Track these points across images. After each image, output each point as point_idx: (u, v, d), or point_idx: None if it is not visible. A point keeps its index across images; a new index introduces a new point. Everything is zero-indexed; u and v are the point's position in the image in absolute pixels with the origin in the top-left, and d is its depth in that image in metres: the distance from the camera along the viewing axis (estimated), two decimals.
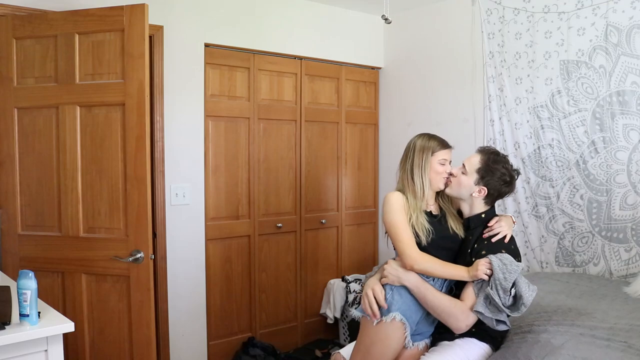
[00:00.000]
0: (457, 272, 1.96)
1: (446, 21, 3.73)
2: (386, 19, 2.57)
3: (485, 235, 2.02)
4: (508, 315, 1.92)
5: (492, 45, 3.39)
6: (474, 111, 3.56)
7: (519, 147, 3.28)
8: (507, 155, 2.15)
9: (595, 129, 2.94)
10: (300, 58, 3.76)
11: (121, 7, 2.44)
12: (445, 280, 2.03)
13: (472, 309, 1.90)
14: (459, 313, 1.91)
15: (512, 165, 2.09)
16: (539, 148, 3.20)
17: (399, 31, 4.05)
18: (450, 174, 2.09)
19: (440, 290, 2.01)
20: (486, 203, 2.09)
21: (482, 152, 2.10)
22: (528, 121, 3.24)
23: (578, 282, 2.77)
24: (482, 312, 1.87)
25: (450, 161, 2.14)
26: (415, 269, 1.96)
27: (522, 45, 3.24)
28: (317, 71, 3.87)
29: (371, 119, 4.22)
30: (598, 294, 2.55)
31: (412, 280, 1.97)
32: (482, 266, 1.90)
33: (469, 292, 1.94)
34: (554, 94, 3.12)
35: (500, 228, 2.01)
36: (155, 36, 3.04)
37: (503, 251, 1.96)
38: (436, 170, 2.08)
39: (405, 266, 1.98)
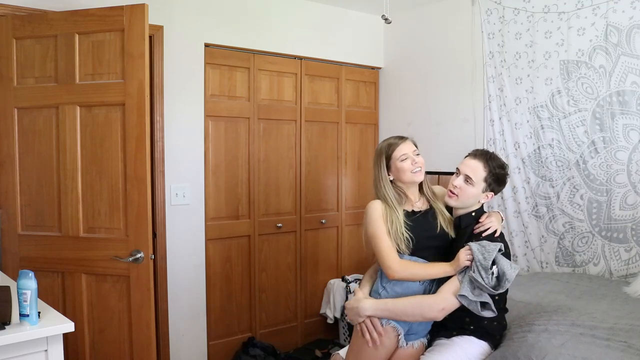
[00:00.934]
0: (441, 269, 1.97)
1: (446, 21, 3.73)
2: (386, 19, 2.57)
3: (476, 230, 2.02)
4: (493, 299, 1.90)
5: (492, 45, 3.39)
6: (474, 111, 3.56)
7: (519, 147, 3.28)
8: (496, 152, 2.15)
9: (595, 129, 2.94)
10: (300, 58, 3.76)
11: (121, 7, 2.44)
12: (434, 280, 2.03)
13: (455, 294, 1.89)
14: (429, 301, 1.92)
15: (502, 160, 2.10)
16: (539, 148, 3.20)
17: (399, 31, 4.05)
18: (454, 186, 2.05)
19: (431, 289, 2.01)
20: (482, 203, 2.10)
21: (480, 158, 2.06)
22: (528, 121, 3.24)
23: (578, 282, 2.77)
24: (466, 295, 1.87)
25: (415, 150, 2.08)
26: (397, 278, 1.97)
27: (522, 45, 3.24)
28: (317, 71, 3.87)
29: (371, 119, 4.22)
30: (598, 294, 2.55)
31: (369, 307, 1.98)
32: (462, 254, 1.91)
33: (451, 280, 1.94)
34: (554, 94, 3.12)
35: (491, 223, 2.02)
36: (155, 36, 3.04)
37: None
38: (400, 168, 2.04)
39: (388, 277, 2.00)
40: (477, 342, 1.99)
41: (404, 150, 2.05)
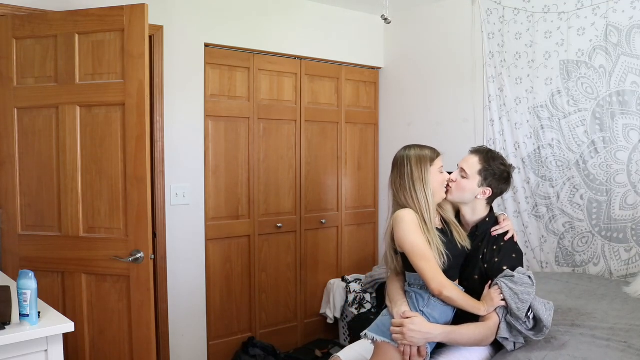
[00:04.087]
0: (475, 305, 1.91)
1: (446, 21, 3.73)
2: (386, 19, 2.56)
3: (495, 233, 2.02)
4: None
5: (492, 45, 3.39)
6: (474, 111, 3.56)
7: (519, 147, 3.28)
8: (499, 152, 2.15)
9: (595, 129, 2.95)
10: (300, 58, 3.76)
11: (121, 7, 2.44)
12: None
13: (497, 335, 1.90)
14: (490, 335, 1.91)
15: (507, 161, 2.09)
16: (539, 148, 3.20)
17: (399, 31, 4.05)
18: (450, 180, 2.03)
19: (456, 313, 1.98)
20: (488, 204, 2.09)
21: (477, 153, 2.07)
22: (528, 121, 3.24)
23: (578, 282, 2.78)
24: (507, 337, 1.90)
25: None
26: (443, 295, 1.89)
27: (522, 45, 3.24)
28: (317, 71, 3.87)
29: (371, 119, 4.22)
30: (598, 294, 2.55)
31: (438, 333, 1.89)
32: (495, 296, 1.88)
33: (493, 317, 1.92)
34: (554, 94, 3.12)
35: (509, 227, 2.03)
36: (155, 36, 3.04)
37: (513, 255, 1.97)
38: (439, 180, 2.00)
39: (432, 291, 1.91)
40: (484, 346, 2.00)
41: (441, 162, 2.03)
